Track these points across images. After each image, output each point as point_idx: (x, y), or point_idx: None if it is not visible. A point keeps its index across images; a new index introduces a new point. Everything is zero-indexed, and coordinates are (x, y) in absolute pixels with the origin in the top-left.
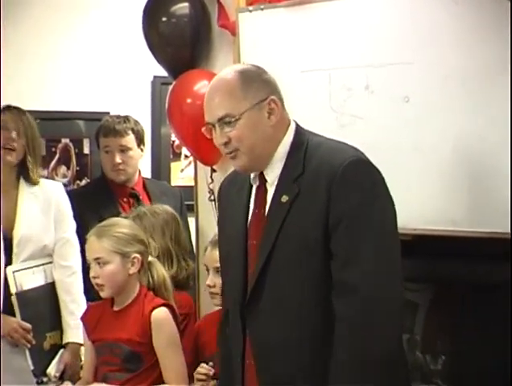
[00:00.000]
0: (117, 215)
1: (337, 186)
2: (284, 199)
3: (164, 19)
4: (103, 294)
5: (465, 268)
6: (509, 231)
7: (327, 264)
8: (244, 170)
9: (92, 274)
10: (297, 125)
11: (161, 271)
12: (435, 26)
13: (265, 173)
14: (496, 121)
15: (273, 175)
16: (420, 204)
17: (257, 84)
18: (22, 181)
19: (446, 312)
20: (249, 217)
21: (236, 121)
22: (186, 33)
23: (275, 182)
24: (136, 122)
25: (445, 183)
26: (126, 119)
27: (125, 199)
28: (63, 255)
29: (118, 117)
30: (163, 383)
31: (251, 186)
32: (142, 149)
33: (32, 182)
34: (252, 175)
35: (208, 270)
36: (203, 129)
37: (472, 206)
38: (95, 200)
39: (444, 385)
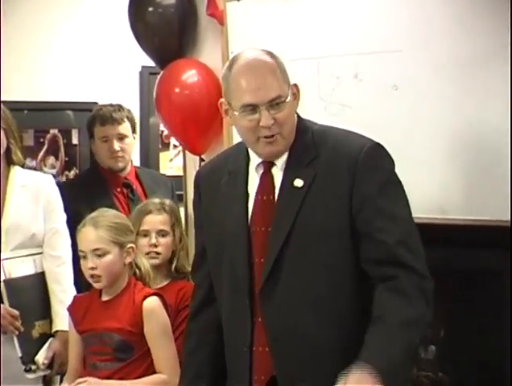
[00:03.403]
0: (111, 205)
1: (361, 169)
2: (298, 182)
3: (151, 9)
4: (99, 285)
5: (457, 257)
6: (509, 218)
7: (349, 246)
8: (274, 156)
9: (89, 265)
10: (297, 112)
11: (146, 261)
12: (424, 14)
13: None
14: (487, 107)
15: (281, 160)
16: (412, 192)
17: (285, 70)
18: (12, 171)
19: (437, 301)
20: (251, 205)
21: (283, 103)
22: (173, 22)
23: (283, 167)
24: (129, 110)
25: (436, 171)
26: (120, 107)
27: (118, 189)
28: (52, 245)
29: (112, 105)
30: (154, 372)
31: (247, 174)
32: (134, 137)
33: (18, 162)
34: (255, 163)
35: None
36: (236, 114)
37: (465, 194)
38: (88, 191)
39: (435, 374)
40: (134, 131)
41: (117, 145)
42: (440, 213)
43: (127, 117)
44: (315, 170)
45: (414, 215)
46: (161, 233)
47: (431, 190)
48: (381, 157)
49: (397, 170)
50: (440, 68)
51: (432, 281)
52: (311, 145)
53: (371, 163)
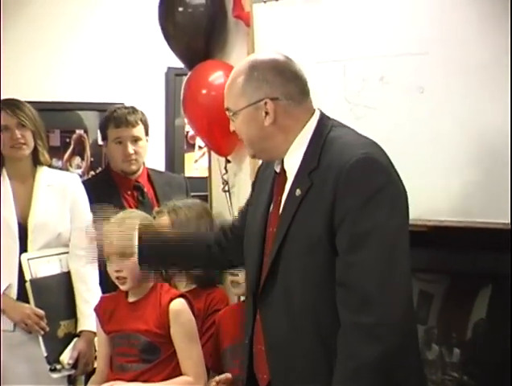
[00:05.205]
0: (120, 207)
1: (343, 184)
2: (298, 192)
3: (180, 9)
4: (125, 287)
5: (480, 259)
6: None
7: (332, 260)
8: (256, 158)
9: (115, 268)
10: (321, 116)
11: None
12: (451, 16)
13: (285, 161)
14: None
15: (291, 165)
16: (436, 195)
17: (257, 84)
18: (38, 171)
19: (461, 303)
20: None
21: (234, 115)
22: (202, 23)
23: (294, 173)
24: (142, 113)
25: (461, 174)
26: (135, 110)
27: (128, 192)
28: (78, 244)
29: (126, 107)
30: (180, 374)
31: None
32: (147, 140)
33: (45, 163)
34: (276, 161)
35: None
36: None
37: (488, 197)
38: (98, 194)
39: (460, 377)
40: (147, 134)
41: (131, 148)
42: (467, 216)
43: (141, 120)
44: (312, 180)
45: (439, 218)
46: None
47: (456, 193)
48: (365, 171)
49: (421, 173)
50: (467, 71)
51: (397, 312)
52: (317, 154)
53: (353, 178)
